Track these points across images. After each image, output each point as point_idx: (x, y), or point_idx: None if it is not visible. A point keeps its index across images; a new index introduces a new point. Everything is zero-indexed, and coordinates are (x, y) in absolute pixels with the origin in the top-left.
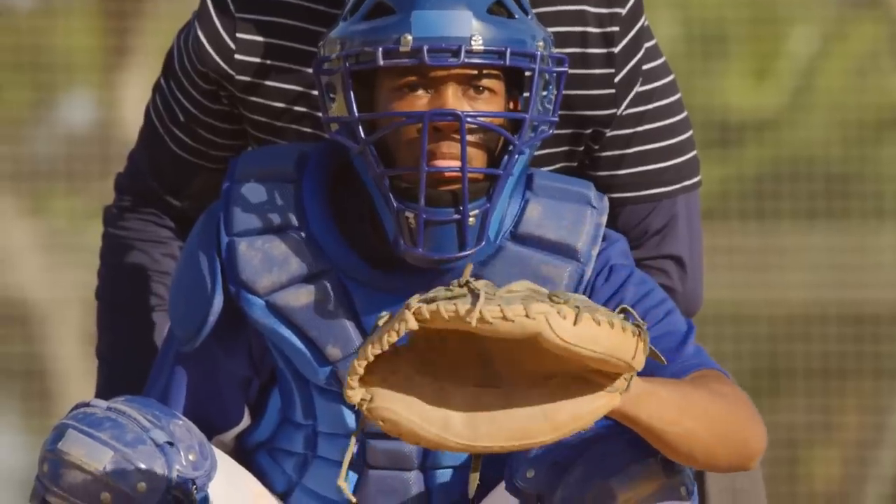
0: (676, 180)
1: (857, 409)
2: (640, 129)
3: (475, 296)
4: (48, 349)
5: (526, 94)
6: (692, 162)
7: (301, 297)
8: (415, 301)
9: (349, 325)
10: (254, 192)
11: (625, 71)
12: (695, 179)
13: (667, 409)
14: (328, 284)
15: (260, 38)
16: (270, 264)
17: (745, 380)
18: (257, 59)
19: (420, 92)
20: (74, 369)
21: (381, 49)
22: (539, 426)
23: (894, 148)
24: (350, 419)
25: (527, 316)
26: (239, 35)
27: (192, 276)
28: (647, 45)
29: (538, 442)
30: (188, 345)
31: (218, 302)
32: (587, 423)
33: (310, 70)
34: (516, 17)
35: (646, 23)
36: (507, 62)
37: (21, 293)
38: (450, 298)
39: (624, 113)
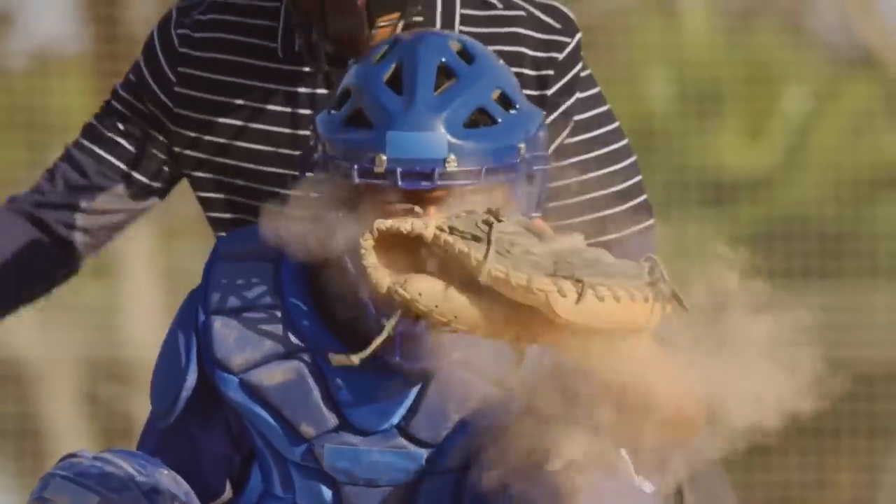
0: (625, 227)
1: (850, 467)
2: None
3: (489, 243)
4: (42, 409)
5: None
6: (640, 206)
7: (275, 376)
8: (442, 220)
9: (323, 405)
10: (233, 271)
11: (555, 115)
12: (646, 223)
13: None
14: (302, 363)
15: (201, 73)
16: (245, 342)
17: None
18: (198, 93)
19: (402, 207)
20: (68, 429)
21: (356, 167)
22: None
23: (889, 207)
24: (327, 494)
25: (528, 286)
26: (181, 69)
27: (169, 355)
28: (581, 95)
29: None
30: (163, 420)
31: (191, 379)
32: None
33: (249, 103)
34: (500, 120)
35: (584, 73)
36: (483, 180)
37: (15, 353)
38: (469, 238)
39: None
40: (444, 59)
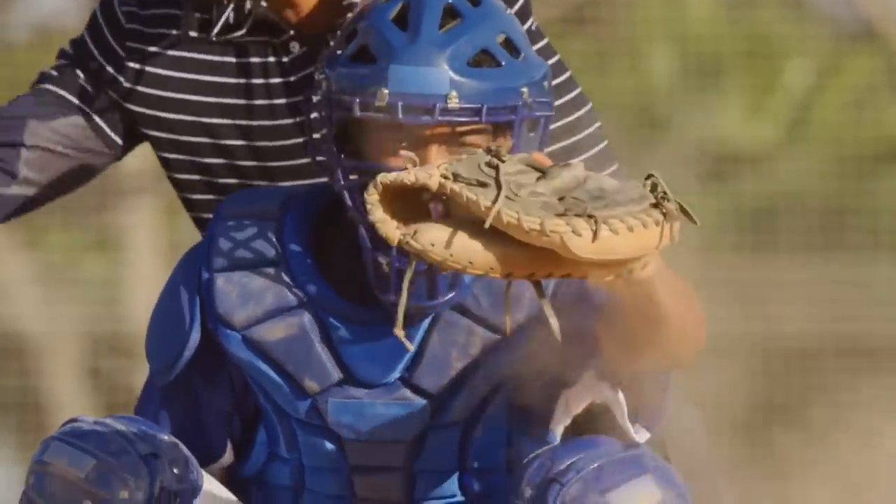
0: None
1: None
2: None
3: (498, 187)
4: (43, 382)
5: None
6: (605, 151)
7: (277, 331)
8: (444, 167)
9: (326, 359)
10: (236, 230)
11: None
12: (612, 168)
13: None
14: (305, 318)
15: (151, 48)
16: (247, 298)
17: (740, 413)
18: (148, 68)
19: (404, 144)
20: (70, 402)
21: (357, 100)
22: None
23: (891, 181)
24: (332, 451)
25: (542, 229)
26: (129, 44)
27: (170, 311)
28: (533, 48)
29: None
30: (162, 378)
31: (195, 337)
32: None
33: (195, 76)
34: (503, 63)
35: (534, 26)
36: (483, 119)
37: (17, 326)
38: (475, 184)
39: None
40: (450, 0)
